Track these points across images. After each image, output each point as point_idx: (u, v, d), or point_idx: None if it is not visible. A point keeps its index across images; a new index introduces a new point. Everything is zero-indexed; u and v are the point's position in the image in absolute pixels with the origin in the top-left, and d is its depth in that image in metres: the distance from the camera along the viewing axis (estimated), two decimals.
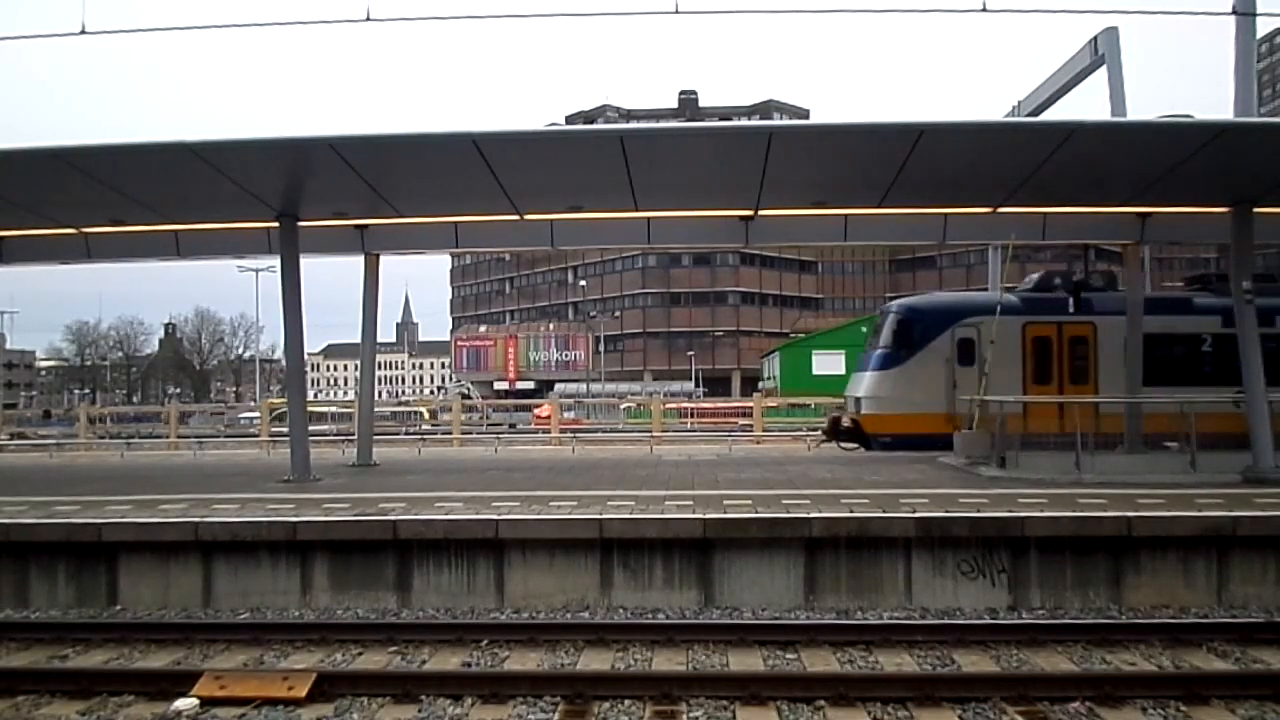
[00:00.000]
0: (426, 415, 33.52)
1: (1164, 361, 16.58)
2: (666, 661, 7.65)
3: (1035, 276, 19.46)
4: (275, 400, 31.19)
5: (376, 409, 19.84)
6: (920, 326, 17.77)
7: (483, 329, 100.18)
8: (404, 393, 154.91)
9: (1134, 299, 16.07)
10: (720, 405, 41.31)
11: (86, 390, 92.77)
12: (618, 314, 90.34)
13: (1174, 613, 9.14)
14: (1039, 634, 8.14)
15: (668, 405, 31.06)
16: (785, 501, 10.67)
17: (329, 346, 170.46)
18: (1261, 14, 15.94)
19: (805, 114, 75.25)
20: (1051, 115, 20.46)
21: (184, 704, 6.69)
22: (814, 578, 9.61)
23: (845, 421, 18.34)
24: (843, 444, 18.27)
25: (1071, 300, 17.71)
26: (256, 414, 39.82)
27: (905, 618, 8.99)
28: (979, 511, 9.86)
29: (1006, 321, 16.54)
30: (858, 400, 18.04)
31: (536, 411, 36.76)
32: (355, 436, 19.34)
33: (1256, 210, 13.05)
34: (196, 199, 13.11)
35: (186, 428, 30.12)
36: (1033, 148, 11.64)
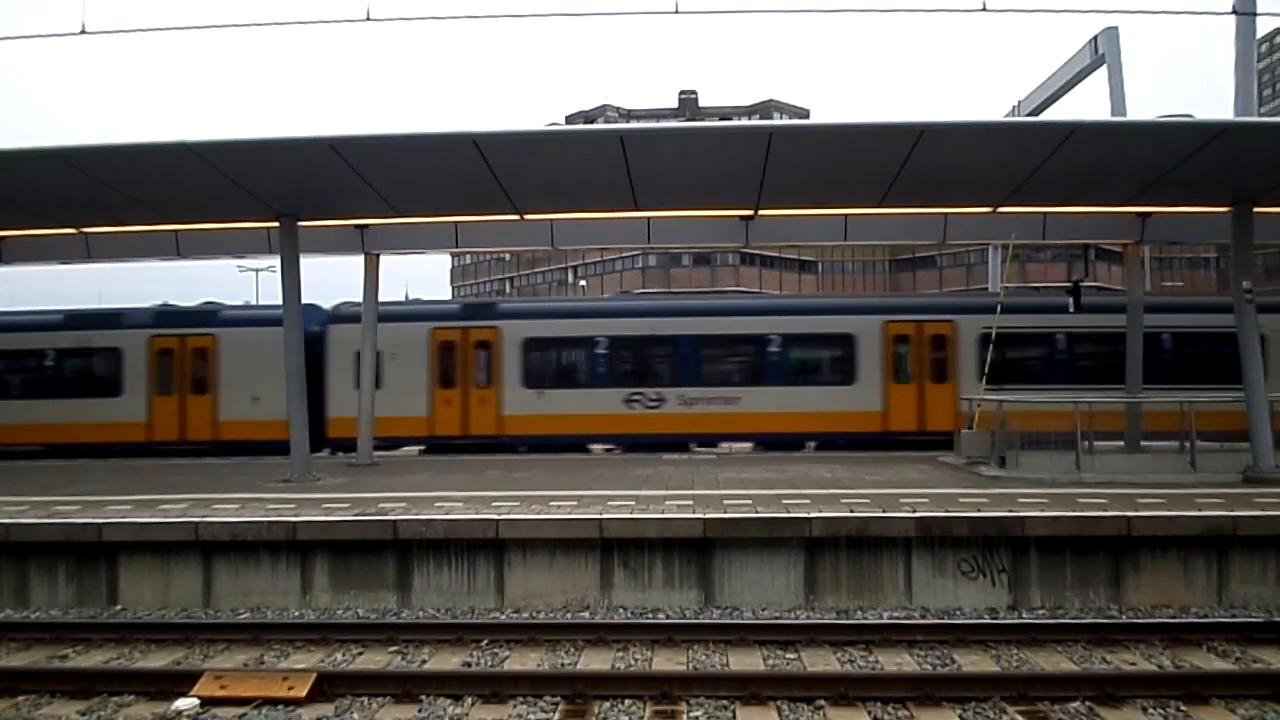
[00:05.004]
0: None
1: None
2: (666, 661, 7.66)
3: None
4: None
5: None
6: None
7: None
8: None
9: (1134, 299, 16.07)
10: None
11: None
12: None
13: (1174, 612, 9.16)
14: (1039, 634, 8.16)
15: None
16: (785, 501, 10.67)
17: None
18: (1261, 14, 15.89)
19: (805, 114, 74.91)
20: (1051, 115, 20.43)
21: (184, 704, 6.71)
22: (814, 577, 9.62)
23: None
24: None
25: None
26: None
27: (905, 617, 9.00)
28: (979, 511, 9.86)
29: None
30: None
31: None
32: None
33: (1256, 210, 13.06)
34: (197, 199, 13.11)
35: None
36: (1033, 148, 11.63)
